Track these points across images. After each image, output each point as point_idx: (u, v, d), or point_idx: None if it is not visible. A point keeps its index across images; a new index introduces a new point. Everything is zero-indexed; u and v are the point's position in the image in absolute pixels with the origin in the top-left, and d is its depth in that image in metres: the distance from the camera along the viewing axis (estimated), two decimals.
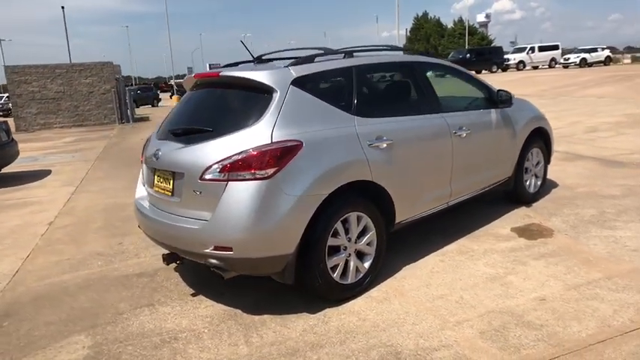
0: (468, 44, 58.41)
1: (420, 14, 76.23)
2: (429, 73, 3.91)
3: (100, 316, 3.13)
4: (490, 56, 38.92)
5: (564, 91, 17.69)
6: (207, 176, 2.72)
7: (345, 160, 2.95)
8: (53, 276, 3.86)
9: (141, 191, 3.52)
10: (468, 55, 38.53)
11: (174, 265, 3.85)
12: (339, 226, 2.94)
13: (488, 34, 71.14)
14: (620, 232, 3.92)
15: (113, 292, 3.49)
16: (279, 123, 2.76)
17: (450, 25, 71.97)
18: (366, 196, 3.09)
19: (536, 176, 4.94)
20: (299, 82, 2.93)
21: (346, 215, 2.97)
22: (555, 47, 41.75)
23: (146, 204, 3.34)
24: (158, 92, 36.14)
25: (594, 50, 37.81)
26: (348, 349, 2.55)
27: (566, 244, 3.77)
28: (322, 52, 3.40)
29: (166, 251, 3.24)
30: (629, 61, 43.31)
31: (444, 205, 3.81)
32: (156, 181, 3.19)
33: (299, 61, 3.09)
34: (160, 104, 32.77)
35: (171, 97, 35.46)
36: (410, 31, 75.89)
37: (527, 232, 4.09)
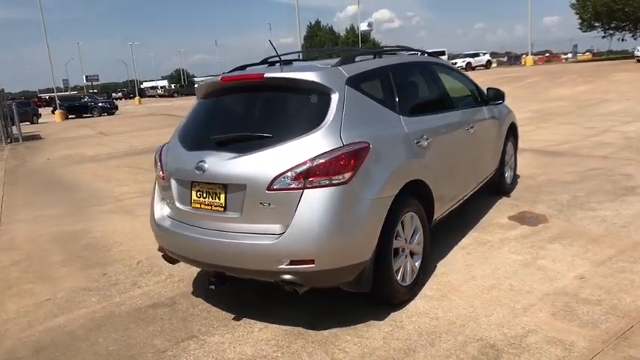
0: None
1: (313, 22, 78.60)
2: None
3: (139, 357, 2.73)
4: None
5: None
6: (277, 186, 2.54)
7: (404, 159, 2.97)
8: (43, 321, 3.27)
9: (163, 210, 3.15)
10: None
11: (189, 289, 3.53)
12: (399, 227, 2.93)
13: (378, 41, 75.69)
14: (601, 212, 4.44)
15: (136, 329, 3.06)
16: (344, 125, 2.67)
17: (342, 33, 75.20)
18: (415, 195, 3.12)
19: (511, 168, 5.39)
20: (352, 82, 2.87)
21: (404, 216, 2.97)
22: (442, 53, 45.72)
23: (178, 223, 2.99)
24: (37, 108, 32.36)
25: (477, 55, 42.20)
26: (442, 349, 2.55)
27: (565, 226, 4.18)
28: (359, 52, 3.36)
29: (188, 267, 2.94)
30: (495, 65, 48.60)
31: (461, 201, 3.99)
32: (195, 197, 2.88)
33: (344, 60, 3.02)
34: (40, 120, 29.36)
35: (53, 112, 32.00)
36: (304, 39, 77.82)
37: (524, 219, 4.44)
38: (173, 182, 3.01)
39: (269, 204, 2.57)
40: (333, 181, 2.51)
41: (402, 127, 3.09)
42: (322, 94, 2.76)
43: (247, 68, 3.49)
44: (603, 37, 36.30)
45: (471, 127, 4.05)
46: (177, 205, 3.00)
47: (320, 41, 75.48)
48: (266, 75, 2.86)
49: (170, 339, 2.90)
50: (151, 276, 3.90)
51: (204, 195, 2.82)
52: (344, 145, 2.58)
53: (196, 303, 3.35)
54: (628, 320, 2.66)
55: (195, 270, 3.89)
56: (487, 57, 43.70)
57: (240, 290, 3.43)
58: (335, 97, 2.73)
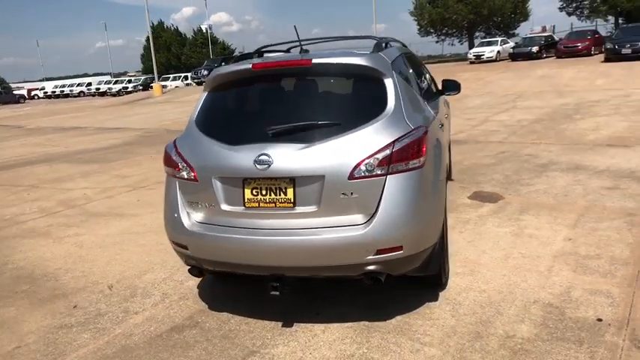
0: (213, 53, 60.22)
1: (156, 23, 74.15)
2: None
3: None
4: None
5: None
6: (359, 174, 2.43)
7: (443, 142, 3.08)
8: None
9: (193, 216, 2.73)
10: (223, 63, 39.86)
11: (202, 305, 3.16)
12: None
13: (228, 43, 74.82)
14: (538, 186, 5.19)
15: (174, 357, 2.61)
16: (405, 109, 2.68)
17: (189, 34, 72.35)
18: None
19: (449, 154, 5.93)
20: (395, 68, 2.88)
21: None
22: None
23: (223, 228, 2.63)
24: None
25: None
26: (511, 315, 2.74)
27: (522, 200, 4.78)
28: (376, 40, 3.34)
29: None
30: None
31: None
32: (250, 195, 2.57)
33: (378, 47, 3.00)
34: None
35: None
36: (147, 40, 73.05)
37: (483, 198, 4.95)
38: (215, 182, 2.65)
39: (351, 193, 2.45)
40: (410, 166, 2.50)
41: (429, 111, 3.22)
42: (376, 79, 2.71)
43: (244, 59, 3.24)
44: (437, 42, 41.87)
45: (442, 114, 4.37)
46: (223, 207, 2.64)
47: (165, 42, 71.57)
48: (314, 61, 2.70)
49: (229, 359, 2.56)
50: (140, 299, 3.35)
51: (264, 192, 2.55)
52: (413, 130, 2.59)
53: (224, 318, 2.99)
54: (632, 266, 3.20)
55: (192, 284, 3.48)
56: None
57: (258, 295, 3.17)
58: (389, 83, 2.71)
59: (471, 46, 40.05)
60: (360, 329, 2.74)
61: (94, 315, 3.18)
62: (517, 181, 5.43)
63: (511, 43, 31.59)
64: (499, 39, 31.00)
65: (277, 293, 2.62)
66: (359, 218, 2.48)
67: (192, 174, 2.71)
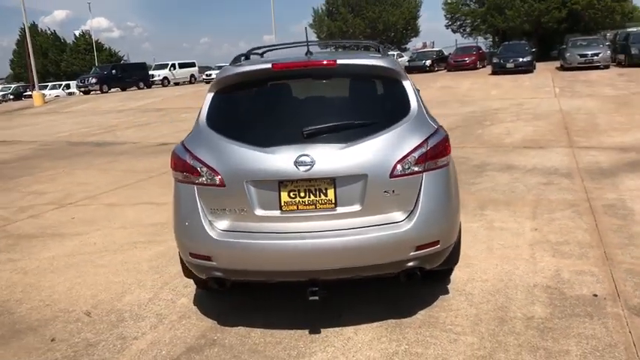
0: (98, 60, 56.13)
1: (29, 25, 66.94)
2: None
3: None
4: (136, 72, 38.94)
5: None
6: (400, 171, 2.49)
7: None
8: None
9: (216, 224, 2.55)
10: (114, 71, 37.36)
11: (210, 322, 2.96)
12: None
13: (115, 50, 70.07)
14: (484, 185, 5.68)
15: None
16: (424, 109, 2.80)
17: (69, 40, 66.38)
18: None
19: None
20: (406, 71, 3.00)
21: None
22: (193, 64, 45.97)
23: (256, 234, 2.50)
24: None
25: None
26: (521, 298, 2.98)
27: (476, 198, 5.19)
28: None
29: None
30: None
31: None
32: (287, 198, 2.48)
33: (386, 51, 3.09)
34: None
35: None
36: (17, 44, 65.61)
37: None
38: (248, 186, 2.51)
39: (393, 191, 2.49)
40: (439, 164, 2.63)
41: None
42: (395, 81, 2.80)
43: (236, 61, 3.14)
44: None
45: None
46: (258, 212, 2.52)
47: (41, 47, 64.86)
48: (339, 62, 2.70)
49: None
50: (132, 323, 3.03)
51: (303, 194, 2.48)
52: (437, 129, 2.72)
53: (242, 332, 2.84)
54: (597, 248, 3.66)
55: (186, 302, 3.25)
56: None
57: (265, 304, 3.08)
58: (407, 84, 2.81)
59: None
60: (391, 327, 2.78)
61: (83, 346, 2.80)
62: (463, 181, 5.88)
63: (405, 57, 34.07)
64: (395, 53, 33.22)
65: (316, 298, 2.55)
66: (398, 215, 2.53)
67: (217, 179, 2.54)
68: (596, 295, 2.98)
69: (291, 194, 2.50)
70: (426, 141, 2.58)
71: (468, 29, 36.68)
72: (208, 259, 2.58)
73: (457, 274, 3.36)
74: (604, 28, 30.67)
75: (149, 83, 38.20)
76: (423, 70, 28.52)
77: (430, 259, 2.62)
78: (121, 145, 11.05)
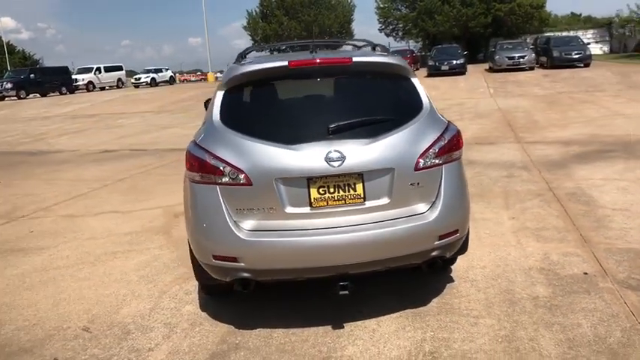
0: (10, 64, 51.97)
1: None
2: None
3: None
4: (57, 77, 36.54)
5: (188, 105, 19.83)
6: (424, 164, 2.60)
7: None
8: None
9: (242, 224, 2.51)
10: (32, 75, 34.84)
11: (226, 327, 2.92)
12: None
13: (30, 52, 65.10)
14: None
15: None
16: (434, 106, 2.93)
17: None
18: None
19: None
20: None
21: None
22: (120, 68, 43.87)
23: (285, 232, 2.50)
24: None
25: (160, 71, 42.52)
26: (521, 281, 3.20)
27: None
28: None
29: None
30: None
31: None
32: (317, 195, 2.50)
33: (385, 49, 3.19)
34: None
35: None
36: None
37: None
38: (277, 184, 2.50)
39: (417, 184, 2.60)
40: (454, 157, 2.77)
41: None
42: (405, 78, 2.91)
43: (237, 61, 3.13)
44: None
45: None
46: (288, 209, 2.51)
47: None
48: (354, 59, 2.76)
49: None
50: (140, 335, 2.90)
51: (332, 190, 2.51)
52: (448, 123, 2.86)
53: (264, 333, 2.81)
54: (573, 232, 4.01)
55: (192, 309, 3.16)
56: (170, 73, 44.76)
57: (277, 304, 3.09)
58: (416, 82, 2.94)
59: None
60: (411, 316, 2.88)
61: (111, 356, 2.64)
62: None
63: None
64: None
65: (347, 292, 2.59)
66: (421, 207, 2.64)
67: (244, 178, 2.50)
68: (586, 274, 3.27)
69: (321, 190, 2.52)
70: (442, 135, 2.71)
71: (400, 33, 38.18)
72: (234, 260, 2.53)
73: (457, 263, 3.53)
74: (524, 33, 33.23)
75: (72, 88, 35.94)
76: None
77: (450, 247, 2.75)
78: (58, 153, 10.34)
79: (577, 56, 20.58)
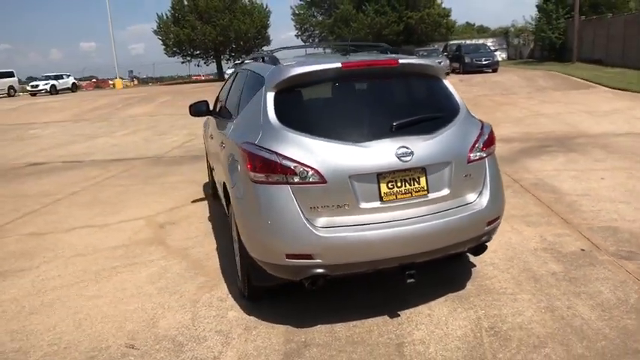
0: None
1: None
2: None
3: None
4: None
5: (105, 113, 18.66)
6: (473, 157, 2.87)
7: None
8: None
9: (317, 222, 2.59)
10: None
11: (283, 327, 2.96)
12: None
13: None
14: None
15: None
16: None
17: None
18: None
19: None
20: None
21: None
22: (11, 74, 40.03)
23: (361, 227, 2.62)
24: None
25: (61, 77, 39.38)
26: (533, 261, 3.60)
27: None
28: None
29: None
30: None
31: None
32: (386, 189, 2.65)
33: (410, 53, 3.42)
34: None
35: None
36: None
37: None
38: (350, 182, 2.61)
39: (470, 175, 2.85)
40: (492, 150, 3.07)
41: None
42: (438, 79, 3.17)
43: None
44: (182, 62, 42.13)
45: None
46: (362, 205, 2.63)
47: None
48: (400, 61, 2.96)
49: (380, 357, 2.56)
50: (196, 345, 2.83)
51: (399, 184, 2.68)
52: (482, 122, 3.15)
53: (325, 329, 2.89)
54: (553, 216, 4.53)
55: (237, 314, 3.14)
56: (72, 79, 41.69)
57: (324, 299, 3.19)
58: (447, 82, 3.20)
59: (219, 68, 42.01)
60: (457, 300, 3.12)
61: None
62: None
63: None
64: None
65: (413, 280, 2.77)
66: (472, 196, 2.90)
67: (318, 177, 2.58)
68: (583, 250, 3.75)
69: (389, 185, 2.67)
70: (482, 130, 3.00)
71: (317, 39, 39.03)
72: (309, 257, 2.59)
73: None
74: (433, 41, 35.66)
75: None
76: None
77: (493, 232, 3.04)
78: None
79: (486, 62, 22.63)
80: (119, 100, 22.82)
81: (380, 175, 2.66)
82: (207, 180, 6.75)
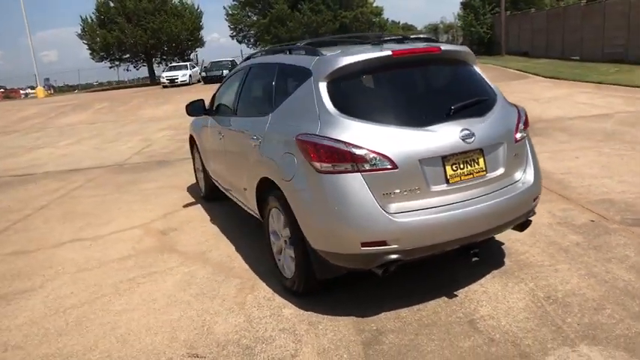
0: None
1: None
2: None
3: None
4: None
5: (38, 123, 17.37)
6: (519, 137, 3.02)
7: None
8: None
9: (389, 208, 2.61)
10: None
11: (350, 319, 2.97)
12: None
13: None
14: None
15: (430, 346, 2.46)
16: None
17: None
18: None
19: None
20: None
21: None
22: None
23: (432, 209, 2.68)
24: None
25: None
26: (553, 234, 3.83)
27: None
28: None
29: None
30: None
31: None
32: (451, 172, 2.73)
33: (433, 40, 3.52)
34: None
35: None
36: None
37: None
38: (420, 166, 2.65)
39: (517, 154, 3.01)
40: (528, 131, 3.23)
41: None
42: (472, 65, 3.29)
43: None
44: (110, 67, 40.05)
45: None
46: (433, 188, 2.68)
47: None
48: (443, 48, 3.05)
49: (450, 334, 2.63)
50: (265, 346, 2.75)
51: (462, 166, 2.76)
52: (516, 105, 3.31)
53: (390, 316, 2.91)
54: (554, 193, 4.84)
55: (292, 312, 3.09)
56: None
57: (373, 287, 3.23)
58: (477, 69, 3.32)
59: (151, 72, 40.42)
60: (504, 275, 3.26)
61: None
62: None
63: (197, 68, 33.89)
64: (187, 63, 32.70)
65: (478, 259, 2.87)
66: (519, 174, 3.05)
67: (388, 162, 2.59)
68: (593, 221, 4.05)
69: (454, 167, 2.74)
70: (519, 113, 3.16)
71: (252, 40, 38.66)
72: (384, 244, 2.60)
73: None
74: None
75: None
76: (220, 79, 28.92)
77: (535, 207, 3.20)
78: None
79: None
80: (50, 109, 21.34)
81: (445, 158, 2.73)
82: (190, 184, 6.52)
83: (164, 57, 38.47)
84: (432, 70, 3.24)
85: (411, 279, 3.32)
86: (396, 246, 2.62)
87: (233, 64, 32.01)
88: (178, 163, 8.30)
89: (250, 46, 38.66)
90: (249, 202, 3.84)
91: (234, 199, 4.40)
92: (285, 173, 2.91)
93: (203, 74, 30.12)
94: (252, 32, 38.02)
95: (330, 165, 2.63)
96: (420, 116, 2.78)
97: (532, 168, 3.11)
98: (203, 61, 35.36)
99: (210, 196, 5.57)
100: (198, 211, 5.41)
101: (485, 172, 2.87)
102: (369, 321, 2.88)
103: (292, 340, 2.76)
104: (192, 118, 6.01)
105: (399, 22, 67.97)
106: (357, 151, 2.59)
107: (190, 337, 2.90)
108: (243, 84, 4.17)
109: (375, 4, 36.56)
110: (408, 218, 2.63)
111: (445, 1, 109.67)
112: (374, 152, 2.60)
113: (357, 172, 2.60)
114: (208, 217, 5.13)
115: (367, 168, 2.60)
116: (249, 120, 3.74)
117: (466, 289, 3.14)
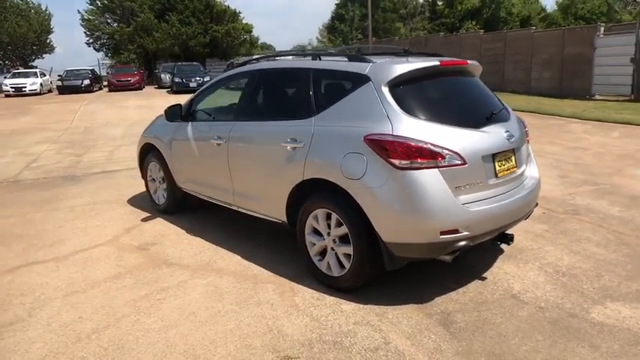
0: None
1: None
2: None
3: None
4: None
5: None
6: (527, 140, 3.64)
7: None
8: None
9: (459, 199, 2.94)
10: None
11: (410, 306, 3.25)
12: None
13: None
14: None
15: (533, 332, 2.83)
16: None
17: None
18: None
19: None
20: None
21: None
22: None
23: (489, 199, 3.11)
24: None
25: None
26: (561, 211, 4.57)
27: None
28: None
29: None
30: None
31: None
32: (499, 167, 3.19)
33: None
34: None
35: None
36: None
37: None
38: (481, 162, 3.07)
39: (528, 154, 3.63)
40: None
41: None
42: (478, 77, 3.81)
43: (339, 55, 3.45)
44: None
45: None
46: (489, 181, 3.12)
47: None
48: (468, 61, 3.55)
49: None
50: (351, 339, 2.85)
51: (504, 162, 3.24)
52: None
53: (443, 301, 3.23)
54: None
55: (350, 305, 3.23)
56: None
57: (411, 275, 3.56)
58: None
59: None
60: (511, 259, 3.82)
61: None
62: None
63: (48, 76, 30.42)
64: (36, 70, 29.10)
65: (512, 242, 3.38)
66: (530, 172, 3.66)
67: (459, 158, 2.93)
68: (544, 213, 4.89)
69: (500, 163, 3.22)
70: (521, 120, 3.78)
71: (111, 48, 35.82)
72: (457, 231, 2.93)
73: None
74: (237, 54, 36.57)
75: None
76: (79, 90, 26.41)
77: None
78: None
79: (195, 83, 22.53)
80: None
81: (494, 155, 3.19)
82: (129, 197, 6.02)
83: (6, 61, 33.48)
84: (462, 80, 3.69)
85: (430, 270, 3.66)
86: (467, 233, 2.97)
87: (94, 73, 29.47)
88: (92, 177, 7.51)
89: (109, 54, 35.75)
90: (266, 209, 3.84)
91: (234, 208, 4.28)
92: (352, 172, 3.05)
93: (59, 83, 27.00)
94: (112, 40, 35.20)
95: (408, 162, 2.88)
96: (472, 118, 3.23)
97: (534, 167, 3.75)
98: (52, 69, 31.49)
99: (172, 209, 5.26)
100: (166, 225, 5.05)
101: (516, 169, 3.40)
102: (431, 306, 3.16)
103: (373, 330, 2.91)
104: (147, 126, 5.64)
105: (269, 45, 69.42)
106: (436, 149, 2.90)
107: (266, 341, 2.85)
108: (256, 89, 4.14)
109: (245, 21, 36.96)
110: (477, 207, 3.01)
111: (292, 26, 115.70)
112: (448, 150, 2.93)
113: (435, 167, 2.90)
114: (183, 230, 4.85)
115: (443, 164, 2.92)
116: (273, 124, 3.75)
117: (488, 272, 3.61)
